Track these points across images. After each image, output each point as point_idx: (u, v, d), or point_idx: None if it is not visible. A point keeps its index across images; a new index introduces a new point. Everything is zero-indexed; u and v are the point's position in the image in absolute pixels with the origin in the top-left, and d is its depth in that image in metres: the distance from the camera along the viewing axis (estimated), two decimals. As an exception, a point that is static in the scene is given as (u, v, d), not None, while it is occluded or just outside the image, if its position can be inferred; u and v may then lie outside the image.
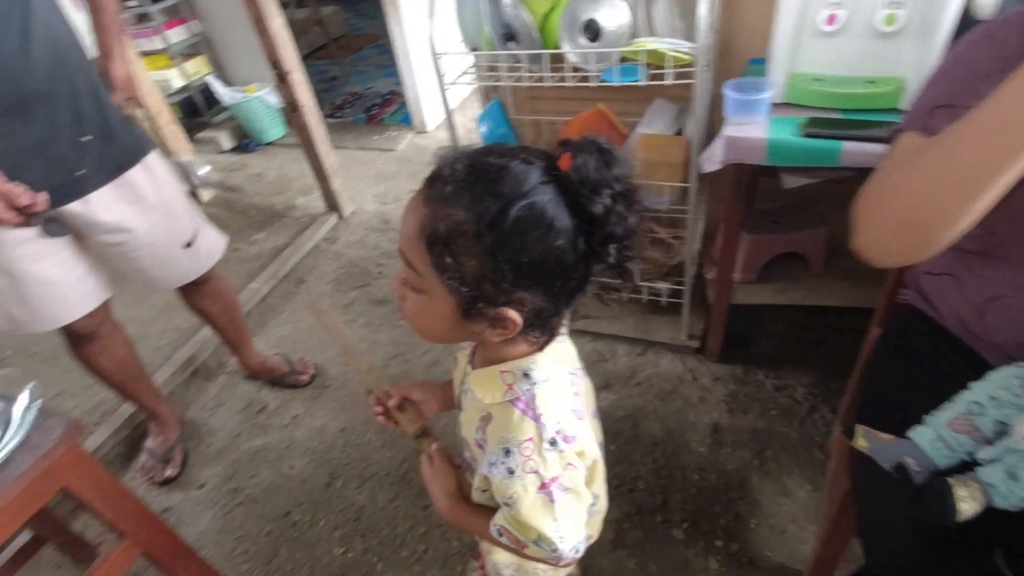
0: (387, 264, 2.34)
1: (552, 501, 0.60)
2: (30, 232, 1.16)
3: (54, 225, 1.17)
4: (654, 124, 1.51)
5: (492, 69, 1.47)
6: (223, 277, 1.64)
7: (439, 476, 0.74)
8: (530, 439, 0.59)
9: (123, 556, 0.91)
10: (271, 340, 2.06)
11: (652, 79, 1.27)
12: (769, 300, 1.58)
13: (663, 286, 1.71)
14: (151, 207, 1.30)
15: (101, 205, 1.23)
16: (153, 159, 1.32)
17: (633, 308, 1.85)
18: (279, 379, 1.85)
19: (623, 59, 1.34)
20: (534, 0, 1.35)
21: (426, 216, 0.52)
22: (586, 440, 0.64)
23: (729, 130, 1.18)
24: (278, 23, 2.03)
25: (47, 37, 1.10)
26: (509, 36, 1.37)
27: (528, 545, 0.64)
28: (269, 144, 3.37)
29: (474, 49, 1.50)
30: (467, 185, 0.51)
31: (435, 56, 1.40)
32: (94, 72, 1.22)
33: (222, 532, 1.49)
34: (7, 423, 0.79)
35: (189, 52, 3.24)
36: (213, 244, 1.51)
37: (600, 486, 0.76)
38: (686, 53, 1.22)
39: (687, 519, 1.35)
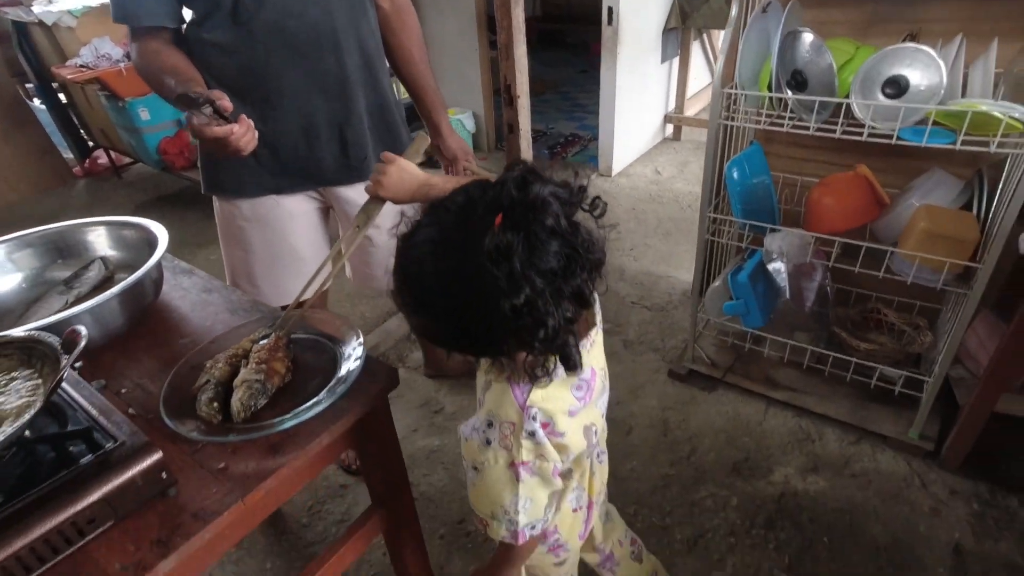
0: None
1: (518, 479, 0.65)
2: (304, 206, 1.26)
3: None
4: (932, 195, 1.38)
5: (758, 113, 1.43)
6: None
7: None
8: (512, 423, 0.64)
9: (374, 528, 0.89)
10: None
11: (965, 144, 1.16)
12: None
13: (897, 373, 1.53)
14: (395, 210, 1.36)
15: (364, 196, 1.30)
16: None
17: (847, 390, 1.67)
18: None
19: (919, 121, 1.24)
20: (833, 49, 1.30)
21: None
22: (573, 439, 0.68)
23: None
24: (522, 51, 2.13)
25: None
26: (798, 81, 1.32)
27: (489, 523, 0.68)
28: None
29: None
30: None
31: (721, 93, 1.39)
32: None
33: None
34: (336, 364, 0.81)
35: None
36: None
37: (585, 480, 0.81)
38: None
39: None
